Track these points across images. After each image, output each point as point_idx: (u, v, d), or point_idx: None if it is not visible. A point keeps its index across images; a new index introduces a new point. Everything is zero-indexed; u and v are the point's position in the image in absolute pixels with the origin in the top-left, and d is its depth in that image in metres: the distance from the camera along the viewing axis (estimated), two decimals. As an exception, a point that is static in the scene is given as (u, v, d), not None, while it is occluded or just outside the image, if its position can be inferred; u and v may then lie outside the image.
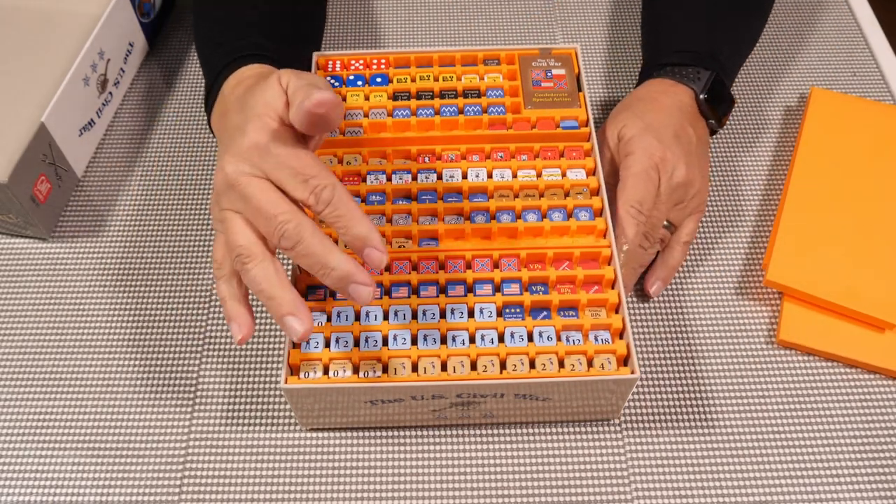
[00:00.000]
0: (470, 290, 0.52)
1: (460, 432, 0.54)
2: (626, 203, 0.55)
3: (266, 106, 0.45)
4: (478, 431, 0.54)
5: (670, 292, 0.60)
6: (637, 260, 0.56)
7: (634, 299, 0.59)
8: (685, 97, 0.59)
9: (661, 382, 0.56)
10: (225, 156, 0.44)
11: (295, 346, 0.50)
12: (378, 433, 0.53)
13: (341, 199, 0.43)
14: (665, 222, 0.57)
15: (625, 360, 0.50)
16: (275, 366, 0.56)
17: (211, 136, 0.68)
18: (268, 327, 0.58)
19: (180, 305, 0.59)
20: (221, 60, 0.55)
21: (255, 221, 0.43)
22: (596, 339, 0.50)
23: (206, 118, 0.70)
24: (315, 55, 0.62)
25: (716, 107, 0.60)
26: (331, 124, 0.44)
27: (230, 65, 0.54)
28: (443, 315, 0.51)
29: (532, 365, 0.49)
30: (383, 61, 0.62)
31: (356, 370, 0.49)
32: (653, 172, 0.55)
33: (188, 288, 0.60)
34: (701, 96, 0.59)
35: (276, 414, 0.54)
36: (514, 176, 0.56)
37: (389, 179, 0.56)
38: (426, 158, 0.58)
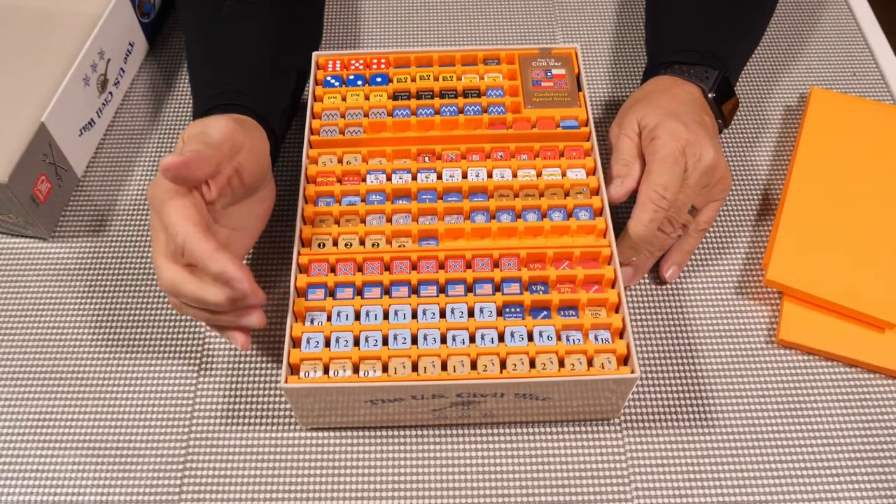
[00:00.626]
0: (470, 289, 0.52)
1: (460, 432, 0.53)
2: (650, 187, 0.54)
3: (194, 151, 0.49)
4: (478, 431, 0.54)
5: (670, 292, 0.60)
6: (657, 244, 0.56)
7: (635, 299, 0.59)
8: (696, 92, 0.59)
9: (661, 382, 0.56)
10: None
11: (295, 345, 0.50)
12: (378, 433, 0.53)
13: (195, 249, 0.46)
14: (690, 207, 0.57)
15: (625, 360, 0.50)
16: (275, 366, 0.56)
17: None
18: (268, 327, 0.58)
19: (180, 305, 0.59)
20: (205, 103, 0.56)
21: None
22: (596, 339, 0.50)
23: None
24: (315, 55, 0.62)
25: (722, 106, 0.60)
26: (189, 180, 0.47)
27: (212, 111, 0.55)
28: (443, 315, 0.51)
29: (532, 364, 0.49)
30: (383, 61, 0.62)
31: (356, 370, 0.49)
32: (680, 156, 0.54)
33: (188, 288, 0.60)
34: (710, 95, 0.59)
35: (276, 414, 0.54)
36: (514, 175, 0.56)
37: (389, 179, 0.56)
38: (426, 158, 0.58)
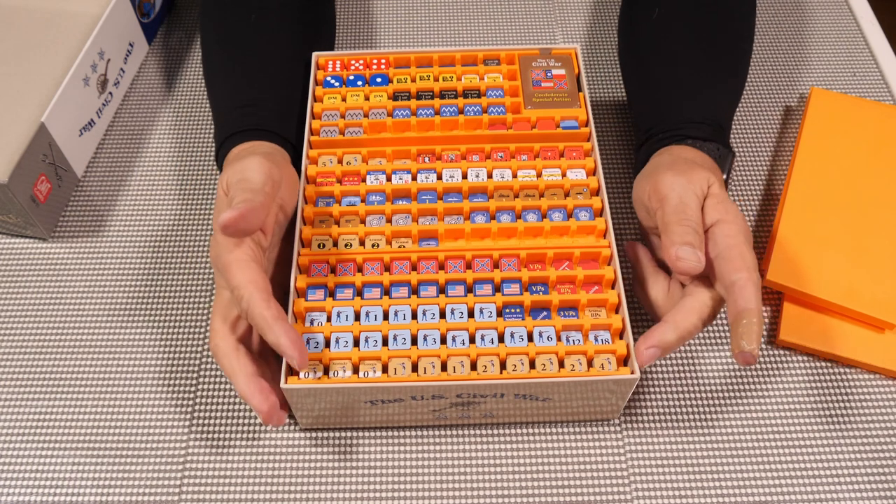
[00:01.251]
0: (470, 290, 0.52)
1: (460, 432, 0.54)
2: (750, 270, 0.47)
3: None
4: (478, 431, 0.54)
5: (670, 292, 0.60)
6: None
7: (635, 300, 0.59)
8: (715, 168, 0.54)
9: (661, 382, 0.56)
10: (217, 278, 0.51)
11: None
12: (378, 433, 0.53)
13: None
14: None
15: (625, 360, 0.50)
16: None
17: (210, 130, 0.68)
18: (268, 327, 0.58)
19: (180, 305, 0.59)
20: (234, 124, 0.56)
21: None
22: (596, 339, 0.50)
23: (205, 117, 0.70)
24: (315, 55, 0.62)
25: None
26: (247, 232, 0.47)
27: (242, 133, 0.56)
28: (443, 315, 0.51)
29: (532, 365, 0.49)
30: (383, 61, 0.62)
31: (356, 370, 0.49)
32: (742, 226, 0.49)
33: (188, 288, 0.60)
34: (724, 176, 0.55)
35: (276, 414, 0.54)
36: (514, 176, 0.56)
37: (389, 179, 0.56)
38: (426, 158, 0.58)
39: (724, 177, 0.55)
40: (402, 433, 0.53)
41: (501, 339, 0.50)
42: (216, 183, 0.65)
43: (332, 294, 0.52)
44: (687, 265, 0.47)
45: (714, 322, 0.58)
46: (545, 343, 0.50)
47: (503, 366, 0.49)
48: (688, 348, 0.57)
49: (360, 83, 0.61)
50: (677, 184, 0.50)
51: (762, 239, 0.63)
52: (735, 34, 0.61)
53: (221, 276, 0.48)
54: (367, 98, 0.60)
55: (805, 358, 0.57)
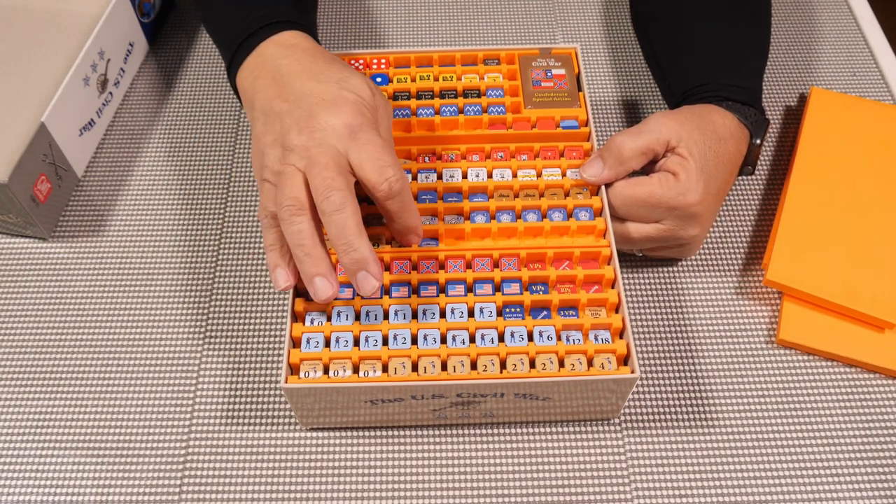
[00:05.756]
0: (470, 289, 0.52)
1: (460, 432, 0.53)
2: (619, 199, 0.54)
3: (358, 96, 0.50)
4: (478, 431, 0.54)
5: (670, 292, 0.60)
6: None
7: (634, 299, 0.59)
8: (742, 146, 0.57)
9: (661, 382, 0.56)
10: (311, 122, 0.48)
11: (295, 345, 0.50)
12: (378, 433, 0.53)
13: (406, 196, 0.49)
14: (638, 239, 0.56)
15: (625, 360, 0.50)
16: (275, 366, 0.56)
17: (211, 131, 0.68)
18: (268, 327, 0.58)
19: (180, 305, 0.59)
20: (252, 24, 0.55)
21: (312, 180, 0.47)
22: (596, 339, 0.50)
23: (206, 117, 0.70)
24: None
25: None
26: None
27: (266, 28, 0.54)
28: (443, 315, 0.51)
29: (532, 364, 0.49)
30: (383, 61, 0.62)
31: (356, 370, 0.49)
32: (667, 210, 0.54)
33: (188, 288, 0.60)
34: (756, 140, 0.57)
35: (276, 414, 0.54)
36: (514, 176, 0.56)
37: (389, 179, 0.56)
38: (426, 158, 0.58)
39: (758, 141, 0.58)
40: (402, 433, 0.53)
41: (501, 338, 0.50)
42: (216, 183, 0.65)
43: (332, 294, 0.52)
44: (586, 170, 0.55)
45: (714, 322, 0.58)
46: (545, 342, 0.50)
47: (503, 365, 0.49)
48: (688, 348, 0.57)
49: (360, 83, 0.61)
50: (652, 121, 0.55)
51: (762, 239, 0.63)
52: (758, 7, 0.64)
53: (308, 160, 0.48)
54: (367, 98, 0.60)
55: (805, 358, 0.57)
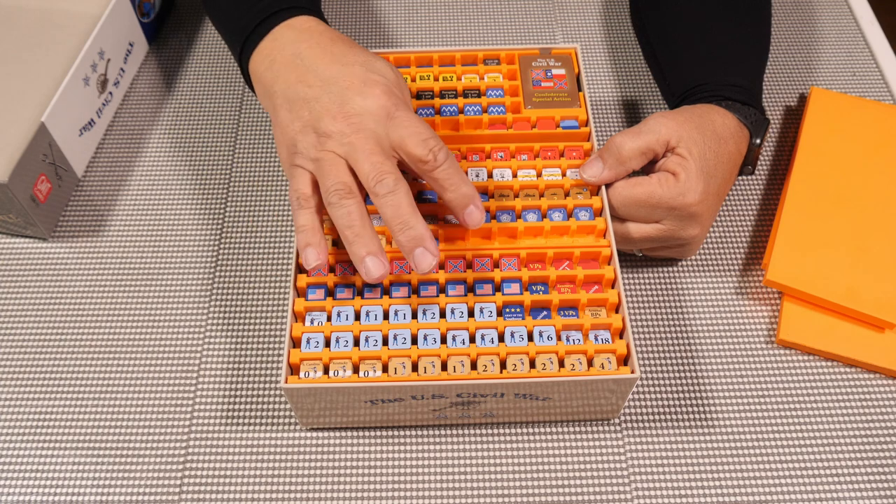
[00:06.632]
0: (470, 289, 0.52)
1: (460, 432, 0.53)
2: (620, 201, 0.54)
3: (385, 77, 0.51)
4: (478, 431, 0.54)
5: (670, 292, 0.60)
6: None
7: (634, 299, 0.59)
8: (742, 146, 0.57)
9: (661, 382, 0.56)
10: (346, 108, 0.49)
11: (295, 345, 0.50)
12: (378, 433, 0.53)
13: (453, 163, 0.49)
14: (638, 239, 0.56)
15: (625, 360, 0.50)
16: (275, 366, 0.56)
17: (211, 131, 0.68)
18: (268, 327, 0.58)
19: (180, 305, 0.59)
20: (263, 11, 0.55)
21: (359, 165, 0.48)
22: (596, 339, 0.50)
23: (206, 116, 0.70)
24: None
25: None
26: None
27: (278, 14, 0.54)
28: (443, 315, 0.51)
29: (532, 364, 0.49)
30: (383, 61, 0.62)
31: (356, 370, 0.49)
32: (667, 210, 0.54)
33: (188, 288, 0.60)
34: (756, 140, 0.58)
35: (276, 414, 0.54)
36: (514, 176, 0.56)
37: (389, 179, 0.56)
38: (426, 158, 0.58)
39: (758, 141, 0.58)
40: (402, 433, 0.53)
41: (501, 338, 0.50)
42: (216, 182, 0.65)
43: (332, 293, 0.52)
44: (586, 170, 0.55)
45: (714, 322, 0.58)
46: (545, 342, 0.50)
47: (503, 365, 0.49)
48: (688, 348, 0.57)
49: (360, 83, 0.61)
50: (652, 121, 0.55)
51: (762, 239, 0.63)
52: (758, 7, 0.64)
53: (350, 146, 0.49)
54: (367, 98, 0.60)
55: (805, 358, 0.57)
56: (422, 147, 0.48)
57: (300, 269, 0.53)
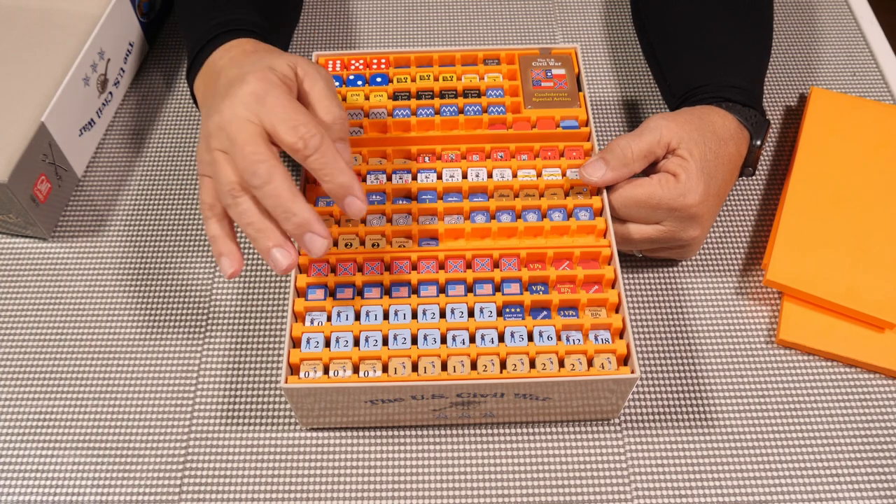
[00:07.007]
0: (470, 289, 0.52)
1: (460, 432, 0.53)
2: (621, 202, 0.54)
3: (270, 68, 0.48)
4: (478, 431, 0.54)
5: (670, 292, 0.60)
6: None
7: (634, 299, 0.59)
8: (743, 147, 0.57)
9: (661, 382, 0.56)
10: (223, 101, 0.47)
11: (295, 345, 0.50)
12: (378, 433, 0.53)
13: (328, 150, 0.46)
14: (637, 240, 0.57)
15: (625, 360, 0.50)
16: (275, 366, 0.56)
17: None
18: (268, 327, 0.58)
19: (180, 305, 0.59)
20: (211, 31, 0.55)
21: (235, 160, 0.46)
22: (596, 339, 0.50)
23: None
24: (315, 55, 0.62)
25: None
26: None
27: (220, 36, 0.54)
28: (443, 315, 0.51)
29: (532, 364, 0.49)
30: (383, 61, 0.62)
31: (356, 370, 0.49)
32: (667, 212, 0.54)
33: (188, 288, 0.60)
34: (756, 142, 0.58)
35: (276, 414, 0.54)
36: (514, 176, 0.56)
37: (389, 179, 0.56)
38: (426, 158, 0.58)
39: (759, 142, 0.58)
40: (402, 433, 0.53)
41: (501, 338, 0.50)
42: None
43: (332, 293, 0.52)
44: (589, 171, 0.55)
45: (714, 322, 0.58)
46: (545, 343, 0.50)
47: (503, 365, 0.49)
48: (688, 348, 0.57)
49: (360, 83, 0.61)
50: (652, 122, 0.55)
51: (762, 239, 0.63)
52: (759, 8, 0.64)
53: (228, 140, 0.46)
54: (367, 98, 0.60)
55: (805, 358, 0.57)
56: (291, 134, 0.45)
57: (300, 269, 0.53)
